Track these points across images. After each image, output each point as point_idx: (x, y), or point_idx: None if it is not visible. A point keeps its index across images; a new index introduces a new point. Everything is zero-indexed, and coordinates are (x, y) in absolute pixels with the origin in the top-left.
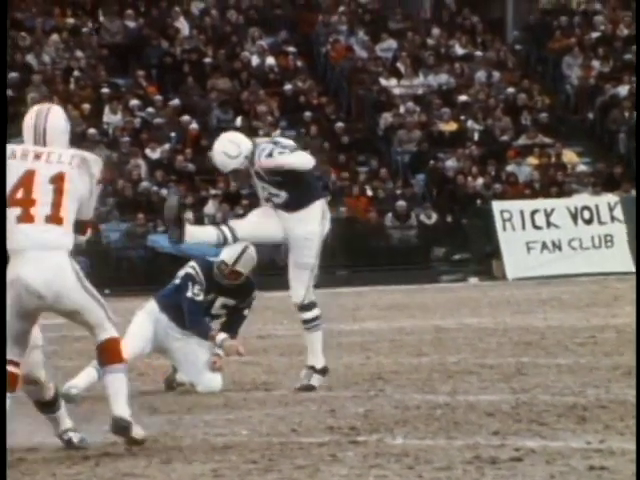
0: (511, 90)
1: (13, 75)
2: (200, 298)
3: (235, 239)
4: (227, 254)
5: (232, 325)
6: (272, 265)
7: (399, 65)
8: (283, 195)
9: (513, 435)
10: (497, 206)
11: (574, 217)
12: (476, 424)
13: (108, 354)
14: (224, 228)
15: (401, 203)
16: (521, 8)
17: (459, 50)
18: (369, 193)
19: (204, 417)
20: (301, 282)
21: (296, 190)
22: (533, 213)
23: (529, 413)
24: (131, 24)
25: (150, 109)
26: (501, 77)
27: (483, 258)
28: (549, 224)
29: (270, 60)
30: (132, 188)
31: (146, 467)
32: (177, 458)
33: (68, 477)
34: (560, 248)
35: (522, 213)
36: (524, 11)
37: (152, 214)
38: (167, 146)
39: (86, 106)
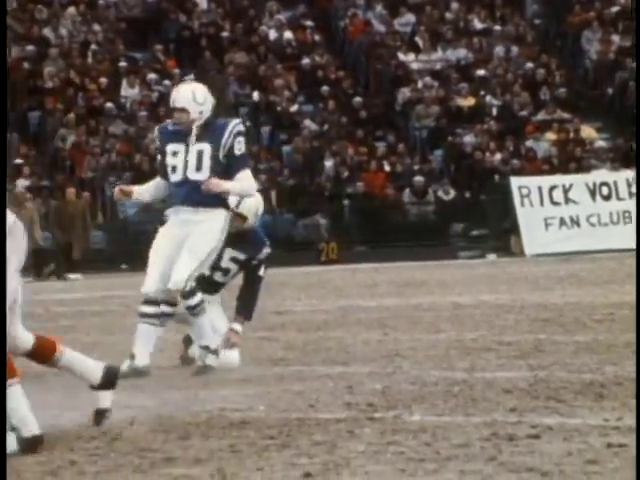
0: (530, 65)
1: (30, 48)
2: None
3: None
4: (230, 199)
5: (250, 290)
6: (289, 240)
7: (417, 40)
8: (205, 174)
9: (530, 412)
10: (515, 182)
11: (592, 193)
12: (493, 401)
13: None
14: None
15: (419, 179)
16: None
17: (478, 24)
18: (387, 168)
19: (221, 392)
20: (187, 266)
21: (217, 178)
22: (551, 189)
23: (546, 390)
24: None
25: (167, 82)
26: (520, 52)
27: (501, 234)
28: (567, 200)
29: (288, 34)
30: (149, 162)
31: (164, 442)
32: (194, 433)
33: (86, 451)
34: (578, 224)
35: (540, 189)
36: None
37: None
38: None
39: (103, 80)
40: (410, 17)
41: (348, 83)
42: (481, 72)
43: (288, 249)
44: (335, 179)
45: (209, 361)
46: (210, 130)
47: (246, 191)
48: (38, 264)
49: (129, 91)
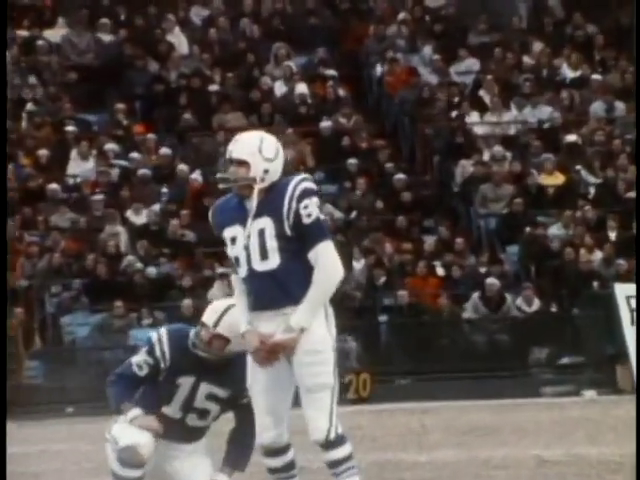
0: None
1: None
2: (143, 373)
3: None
4: (206, 315)
5: (243, 433)
6: None
7: (483, 94)
8: (275, 260)
9: None
10: (622, 290)
11: None
12: None
13: None
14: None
15: (492, 281)
16: None
17: (568, 72)
18: (439, 271)
19: None
20: (321, 410)
21: (294, 262)
22: None
23: None
24: (106, 38)
25: (134, 155)
26: (627, 110)
27: (603, 363)
28: None
29: (301, 88)
30: (107, 265)
31: None
32: None
33: None
34: None
35: None
36: None
37: (135, 301)
38: (157, 207)
39: (43, 152)
40: (472, 62)
41: (385, 154)
42: (572, 138)
43: None
44: (368, 286)
45: None
46: (270, 198)
47: (329, 287)
48: None
49: (80, 166)
